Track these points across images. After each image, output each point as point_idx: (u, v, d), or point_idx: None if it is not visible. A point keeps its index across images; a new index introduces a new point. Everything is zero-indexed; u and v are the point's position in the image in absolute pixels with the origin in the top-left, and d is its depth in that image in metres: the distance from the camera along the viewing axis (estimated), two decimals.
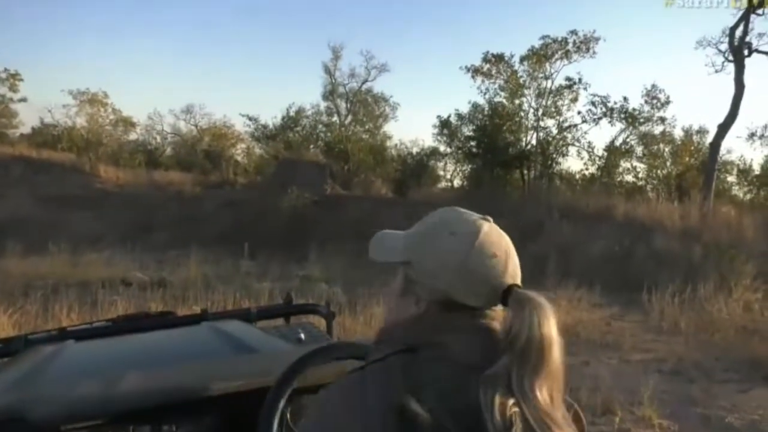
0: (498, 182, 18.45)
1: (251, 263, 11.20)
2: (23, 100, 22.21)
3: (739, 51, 15.05)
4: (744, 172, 19.99)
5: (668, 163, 19.50)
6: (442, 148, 21.57)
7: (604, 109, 18.33)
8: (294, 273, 10.20)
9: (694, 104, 37.09)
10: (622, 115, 18.30)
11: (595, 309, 7.43)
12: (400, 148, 23.67)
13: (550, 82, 18.88)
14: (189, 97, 46.26)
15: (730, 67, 15.40)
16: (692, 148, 19.19)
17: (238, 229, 14.03)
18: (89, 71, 41.94)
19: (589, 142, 19.00)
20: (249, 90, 38.44)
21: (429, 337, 0.78)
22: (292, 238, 13.52)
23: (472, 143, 19.43)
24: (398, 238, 0.90)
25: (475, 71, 19.02)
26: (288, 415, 1.16)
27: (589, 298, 7.67)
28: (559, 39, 18.17)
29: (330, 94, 22.90)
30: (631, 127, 18.65)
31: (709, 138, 16.66)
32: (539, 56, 18.35)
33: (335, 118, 23.35)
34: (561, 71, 18.75)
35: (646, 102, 18.40)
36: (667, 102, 18.35)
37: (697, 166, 18.30)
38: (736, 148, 33.78)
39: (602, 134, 43.48)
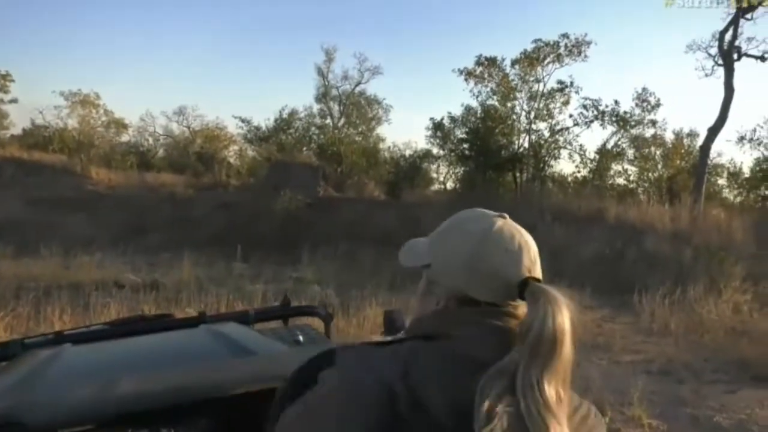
0: (490, 185, 18.53)
1: (244, 265, 11.19)
2: (14, 101, 22.09)
3: (728, 55, 15.21)
4: (734, 175, 20.15)
5: (659, 166, 19.66)
6: (435, 150, 21.67)
7: (595, 113, 18.52)
8: (287, 275, 10.20)
9: (685, 108, 37.33)
10: (614, 119, 18.47)
11: (586, 311, 7.48)
12: (393, 150, 23.74)
13: (542, 85, 19.02)
14: (181, 99, 46.12)
15: (720, 71, 15.58)
16: (683, 151, 19.34)
17: (231, 232, 14.00)
18: (81, 72, 41.76)
19: (581, 145, 19.21)
20: (242, 92, 38.40)
21: (441, 329, 0.80)
22: (285, 240, 13.51)
23: (465, 146, 19.52)
24: (423, 243, 0.93)
25: (468, 74, 19.11)
26: None
27: (580, 300, 7.70)
28: (551, 42, 18.30)
29: (323, 96, 22.96)
30: (622, 130, 18.81)
31: (700, 141, 16.84)
32: (531, 59, 18.46)
33: (328, 121, 23.42)
34: (553, 74, 18.92)
35: (636, 105, 18.59)
36: (658, 105, 18.55)
37: (688, 169, 18.45)
38: (726, 151, 34.22)
39: (594, 137, 43.70)
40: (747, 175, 19.72)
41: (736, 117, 32.75)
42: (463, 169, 20.71)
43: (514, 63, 18.78)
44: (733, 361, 5.53)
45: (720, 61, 15.54)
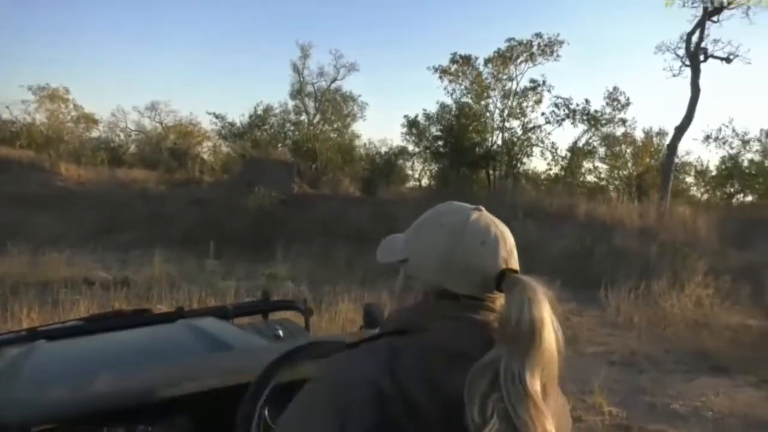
0: (464, 182, 18.73)
1: (216, 262, 11.12)
2: None
3: (695, 56, 15.58)
4: (701, 174, 20.65)
5: (629, 164, 20.07)
6: (410, 147, 21.77)
7: (566, 111, 18.82)
8: (260, 272, 10.17)
9: (654, 107, 38.20)
10: (584, 117, 18.78)
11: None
12: (369, 147, 23.79)
13: (515, 83, 19.28)
14: (153, 95, 45.47)
15: (687, 72, 15.95)
16: (652, 149, 19.73)
17: (204, 228, 13.87)
18: (49, 66, 40.87)
19: (553, 143, 19.52)
20: (216, 88, 38.16)
21: (418, 323, 0.79)
22: (259, 237, 13.45)
23: (440, 143, 19.66)
24: (400, 239, 0.93)
25: (443, 72, 19.26)
26: (267, 413, 1.12)
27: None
28: (524, 41, 18.55)
29: (298, 92, 22.85)
30: (593, 129, 19.15)
31: (668, 140, 17.25)
32: (504, 58, 18.67)
33: (303, 117, 23.32)
34: (526, 73, 19.19)
35: (607, 104, 18.93)
36: (628, 104, 18.90)
37: (657, 167, 18.86)
38: (694, 150, 34.94)
39: (565, 135, 44.40)
40: (713, 174, 20.28)
41: (703, 117, 33.54)
42: (437, 166, 20.87)
43: (487, 61, 19.00)
44: (693, 352, 5.72)
45: (687, 62, 15.93)
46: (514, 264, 0.83)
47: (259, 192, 15.65)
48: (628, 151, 20.01)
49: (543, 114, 19.18)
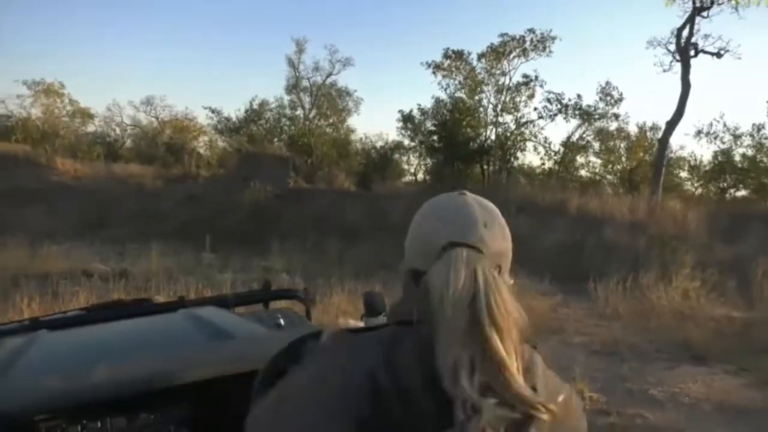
0: (459, 176, 18.82)
1: (213, 255, 11.26)
2: None
3: (685, 51, 15.70)
4: (695, 168, 20.80)
5: (623, 159, 20.22)
6: (406, 142, 21.87)
7: (559, 106, 18.96)
8: (255, 265, 10.32)
9: (647, 102, 38.30)
10: (577, 112, 18.93)
11: (544, 297, 7.77)
12: (365, 141, 23.84)
13: (508, 78, 19.40)
14: (149, 89, 45.34)
15: (678, 67, 16.06)
16: (646, 143, 19.84)
17: (200, 223, 13.97)
18: (44, 61, 40.69)
19: (546, 138, 19.69)
20: (212, 82, 38.15)
21: (412, 313, 0.76)
22: (255, 231, 13.57)
23: (434, 138, 19.77)
24: None
25: (436, 67, 19.37)
26: None
27: (539, 288, 8.03)
28: (517, 37, 18.66)
29: (293, 87, 22.90)
30: (586, 123, 19.30)
31: (660, 134, 17.38)
32: (497, 53, 18.78)
33: (299, 112, 23.41)
34: (519, 68, 19.30)
35: (600, 99, 19.08)
36: (620, 99, 19.08)
37: (650, 161, 18.99)
38: (688, 144, 35.21)
39: (560, 130, 44.54)
40: (707, 168, 20.46)
41: (695, 111, 33.66)
42: (432, 160, 20.98)
43: (480, 57, 19.12)
44: (676, 343, 5.88)
45: (678, 57, 16.05)
46: (479, 242, 0.76)
47: (254, 186, 15.76)
48: (622, 145, 20.17)
49: (535, 109, 19.38)
